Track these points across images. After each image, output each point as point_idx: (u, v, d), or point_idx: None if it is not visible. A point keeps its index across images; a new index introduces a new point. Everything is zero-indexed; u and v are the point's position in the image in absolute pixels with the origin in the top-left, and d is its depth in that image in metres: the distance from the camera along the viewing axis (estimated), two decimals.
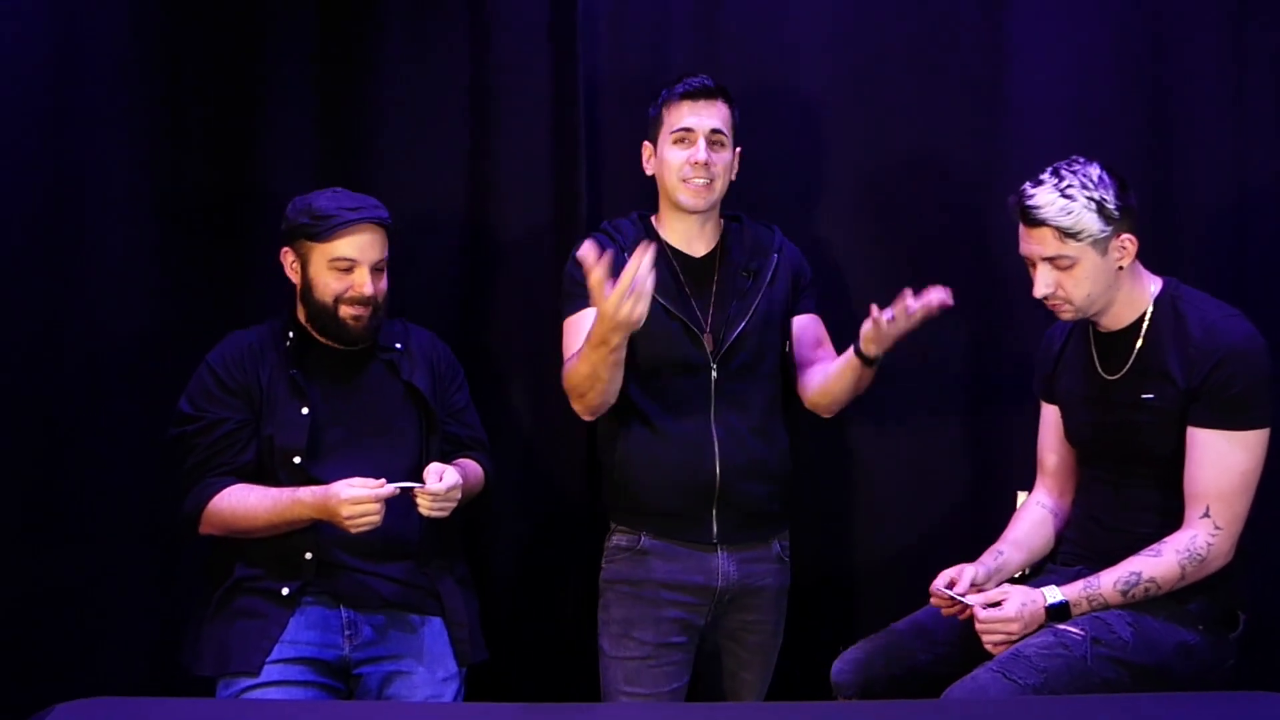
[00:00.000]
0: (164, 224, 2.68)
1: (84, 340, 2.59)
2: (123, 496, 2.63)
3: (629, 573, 2.41)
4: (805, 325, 2.49)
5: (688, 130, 2.37)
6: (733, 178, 2.44)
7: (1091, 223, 2.10)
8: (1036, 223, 2.11)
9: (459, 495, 2.27)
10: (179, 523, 2.33)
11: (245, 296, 2.71)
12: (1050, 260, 2.13)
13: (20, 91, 2.45)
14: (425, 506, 2.22)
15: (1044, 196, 2.10)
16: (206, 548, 2.37)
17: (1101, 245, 2.12)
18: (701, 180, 2.37)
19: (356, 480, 2.20)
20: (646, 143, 2.45)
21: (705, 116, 2.38)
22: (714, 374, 2.37)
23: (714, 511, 2.38)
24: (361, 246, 2.34)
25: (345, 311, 2.34)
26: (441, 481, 2.22)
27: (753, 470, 2.38)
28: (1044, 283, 2.15)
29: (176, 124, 2.69)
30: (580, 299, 2.37)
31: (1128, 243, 2.13)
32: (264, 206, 2.67)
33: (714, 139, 2.38)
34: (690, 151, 2.37)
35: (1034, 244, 2.14)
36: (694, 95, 2.38)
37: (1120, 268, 2.14)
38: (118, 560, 2.63)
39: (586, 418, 2.38)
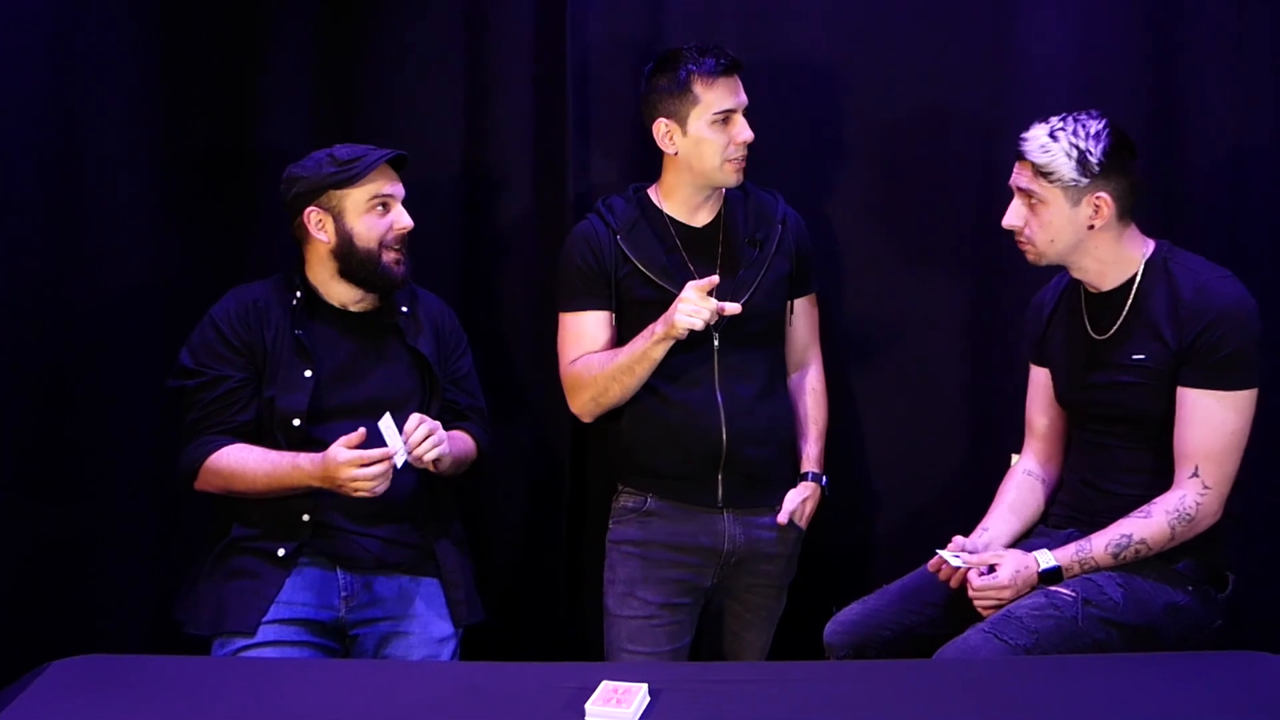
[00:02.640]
0: (165, 178, 2.68)
1: (87, 295, 2.59)
2: (126, 453, 2.63)
3: (635, 534, 2.43)
4: (800, 313, 2.51)
5: (731, 111, 2.34)
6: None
7: (1064, 167, 2.11)
8: (1020, 154, 2.16)
9: (439, 440, 2.24)
10: (176, 478, 2.34)
11: (247, 250, 2.72)
12: (1024, 194, 2.16)
13: (20, 46, 2.44)
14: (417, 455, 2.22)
15: (1035, 131, 2.15)
16: (206, 506, 2.38)
17: (1073, 195, 2.13)
18: (743, 157, 2.38)
19: (352, 438, 2.17)
20: (663, 120, 2.37)
21: (742, 93, 2.36)
22: (715, 343, 2.38)
23: (720, 475, 2.40)
24: (393, 182, 2.36)
25: (388, 257, 2.34)
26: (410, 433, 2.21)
27: (758, 435, 2.40)
28: (1013, 214, 2.19)
29: (177, 80, 2.68)
30: (580, 297, 2.41)
31: (1100, 203, 2.13)
32: (265, 162, 2.66)
33: (746, 113, 2.37)
34: (737, 131, 2.35)
35: (1016, 174, 2.18)
36: (730, 71, 2.34)
37: (1091, 227, 2.14)
38: (120, 517, 2.64)
39: (586, 419, 2.42)
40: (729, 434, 2.37)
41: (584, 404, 2.41)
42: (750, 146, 2.45)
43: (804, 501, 2.45)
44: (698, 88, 2.34)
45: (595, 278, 2.41)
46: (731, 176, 2.38)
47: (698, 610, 2.47)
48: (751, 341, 2.41)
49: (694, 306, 2.25)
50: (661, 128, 2.38)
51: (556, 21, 2.69)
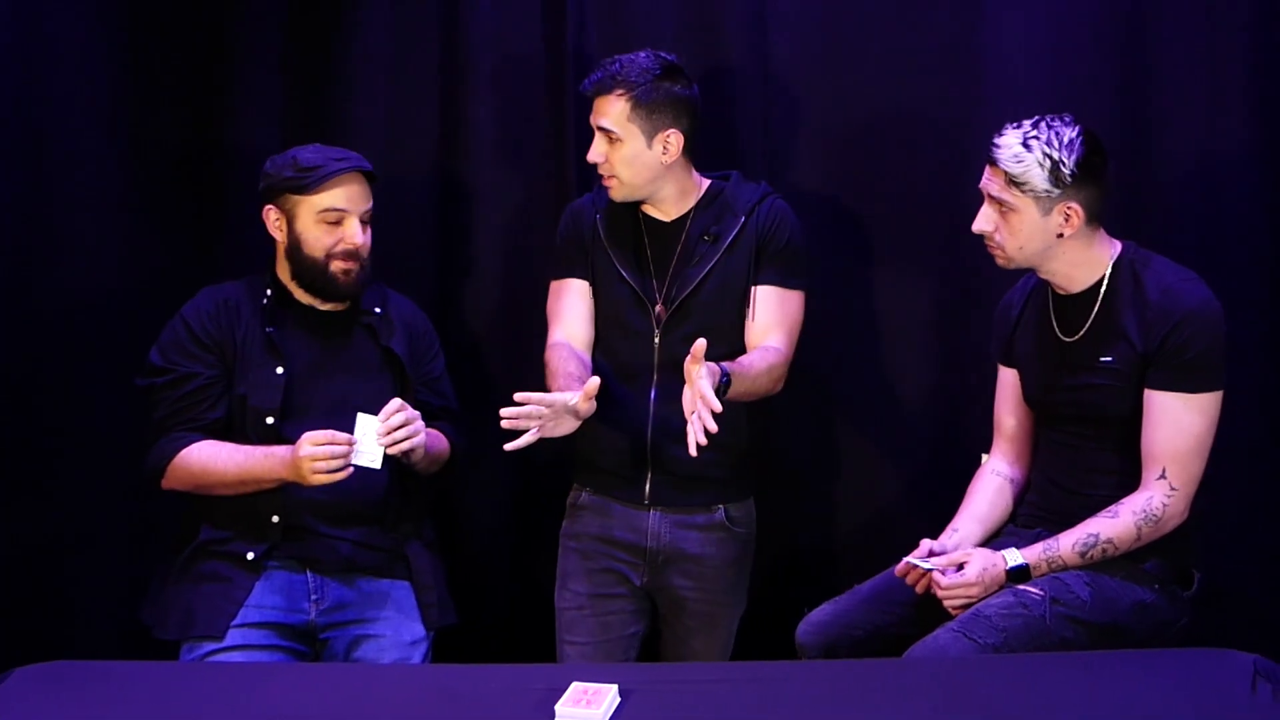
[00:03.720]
0: (134, 179, 2.66)
1: (54, 296, 2.57)
2: (96, 455, 2.62)
3: (569, 528, 2.48)
4: (761, 302, 2.40)
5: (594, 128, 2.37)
6: (665, 160, 2.36)
7: (1038, 178, 2.11)
8: (993, 160, 2.15)
9: (415, 431, 2.23)
10: (143, 476, 2.32)
11: (217, 252, 2.71)
12: (995, 201, 2.17)
13: None
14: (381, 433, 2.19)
15: (1008, 139, 2.14)
16: (176, 508, 2.37)
17: (1044, 204, 2.13)
18: (604, 174, 2.38)
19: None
20: None
21: (597, 115, 2.36)
22: (656, 339, 2.38)
23: (648, 473, 2.40)
24: (350, 197, 2.33)
25: (336, 266, 2.33)
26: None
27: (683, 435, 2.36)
28: (984, 219, 2.19)
29: (146, 79, 2.67)
30: (562, 265, 2.44)
31: (1071, 213, 2.14)
32: (235, 162, 2.66)
33: (605, 136, 2.35)
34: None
35: (987, 180, 2.18)
36: (592, 93, 2.36)
37: (1060, 235, 2.15)
38: (89, 519, 2.62)
39: None
40: (654, 432, 2.37)
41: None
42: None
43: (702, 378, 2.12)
44: None
45: (577, 248, 2.45)
46: (607, 190, 2.41)
47: (637, 607, 2.47)
48: (695, 338, 2.33)
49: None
50: None
51: (544, 26, 2.69)
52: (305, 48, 2.75)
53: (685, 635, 2.50)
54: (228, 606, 2.23)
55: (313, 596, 2.30)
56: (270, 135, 2.68)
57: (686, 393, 2.14)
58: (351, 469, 2.17)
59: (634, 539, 2.42)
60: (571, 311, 2.43)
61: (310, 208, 2.31)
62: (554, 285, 2.47)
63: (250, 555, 2.27)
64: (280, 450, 2.22)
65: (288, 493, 2.26)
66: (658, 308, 2.39)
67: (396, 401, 2.22)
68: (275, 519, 2.28)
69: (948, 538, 2.27)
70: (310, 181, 2.30)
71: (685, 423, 2.29)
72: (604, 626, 2.43)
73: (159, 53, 2.68)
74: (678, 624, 2.50)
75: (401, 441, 2.20)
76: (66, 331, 2.59)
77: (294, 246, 2.33)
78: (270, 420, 2.28)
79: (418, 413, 2.25)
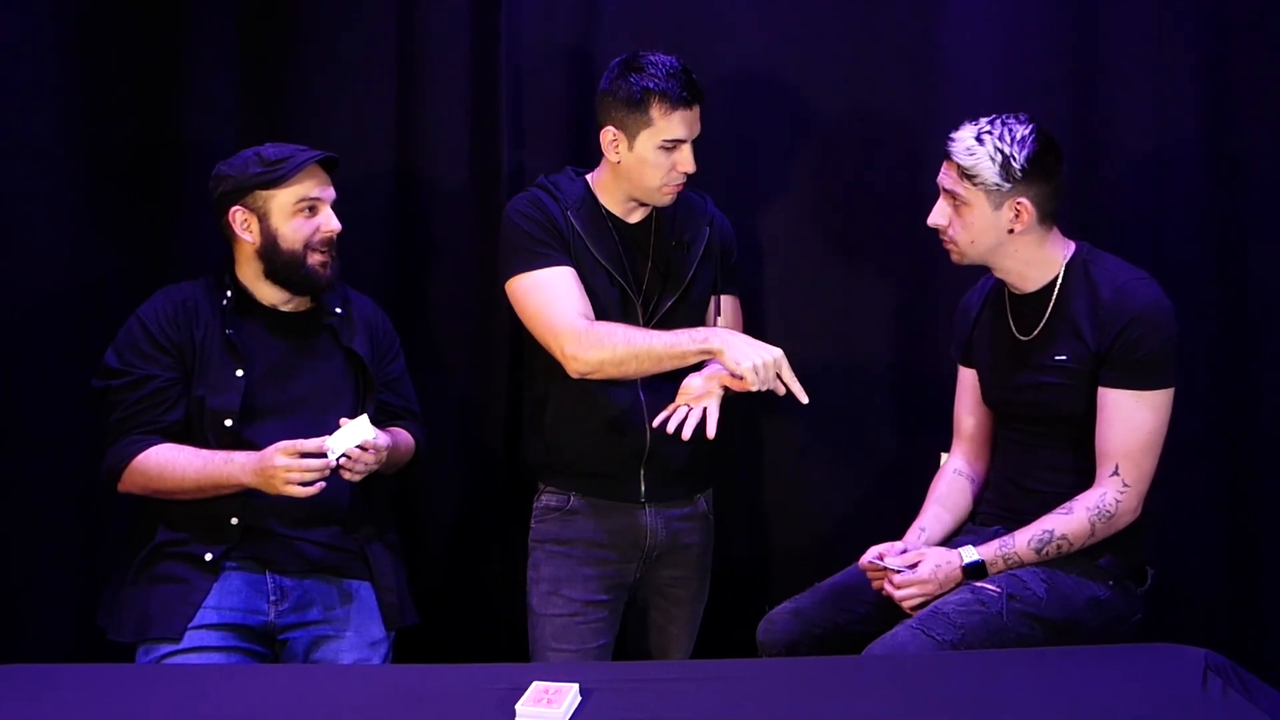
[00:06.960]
0: (85, 178, 2.62)
1: (3, 296, 2.53)
2: (48, 457, 2.57)
3: (558, 532, 2.44)
4: (726, 311, 2.48)
5: (680, 140, 2.32)
6: None
7: (988, 172, 2.15)
8: (948, 154, 2.20)
9: (378, 459, 2.24)
10: (100, 479, 2.29)
11: (171, 251, 2.68)
12: (949, 194, 2.21)
13: None
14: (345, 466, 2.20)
15: (964, 133, 2.19)
16: (131, 510, 2.34)
17: (995, 199, 2.17)
18: (681, 183, 2.37)
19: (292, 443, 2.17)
20: (612, 128, 2.33)
21: (697, 124, 2.33)
22: None
23: (642, 471, 2.41)
24: (323, 184, 2.33)
25: (314, 259, 2.32)
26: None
27: (680, 433, 2.39)
28: (938, 213, 2.24)
29: (96, 75, 2.63)
30: (544, 253, 2.33)
31: (1020, 209, 2.17)
32: (188, 160, 2.62)
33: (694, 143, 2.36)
34: (682, 160, 2.33)
35: (943, 174, 2.22)
36: (689, 103, 2.31)
37: (1011, 231, 2.19)
38: (42, 522, 2.58)
39: (578, 375, 2.28)
40: (652, 431, 2.37)
41: (593, 363, 2.25)
42: None
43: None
44: (654, 111, 2.30)
45: (554, 236, 2.35)
46: (664, 199, 2.39)
47: (622, 606, 2.48)
48: None
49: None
50: (609, 135, 2.35)
51: (491, 23, 2.69)
52: (261, 45, 2.72)
53: (665, 623, 2.54)
54: (185, 608, 2.20)
55: (272, 598, 2.28)
56: (224, 133, 2.65)
57: (689, 390, 2.23)
58: (324, 484, 2.17)
59: (634, 537, 2.43)
60: (574, 295, 2.31)
61: (285, 200, 2.30)
62: (535, 276, 2.33)
63: (208, 556, 2.24)
64: (241, 456, 2.20)
65: (249, 494, 2.24)
66: (640, 311, 2.39)
67: (384, 439, 2.23)
68: (234, 520, 2.26)
69: (914, 536, 2.29)
70: (284, 173, 2.28)
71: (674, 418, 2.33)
72: (596, 632, 2.42)
73: (110, 48, 2.64)
74: (659, 614, 2.54)
75: (355, 466, 2.19)
76: (16, 332, 2.55)
77: (269, 244, 2.31)
78: (229, 423, 2.26)
79: (384, 455, 2.24)
